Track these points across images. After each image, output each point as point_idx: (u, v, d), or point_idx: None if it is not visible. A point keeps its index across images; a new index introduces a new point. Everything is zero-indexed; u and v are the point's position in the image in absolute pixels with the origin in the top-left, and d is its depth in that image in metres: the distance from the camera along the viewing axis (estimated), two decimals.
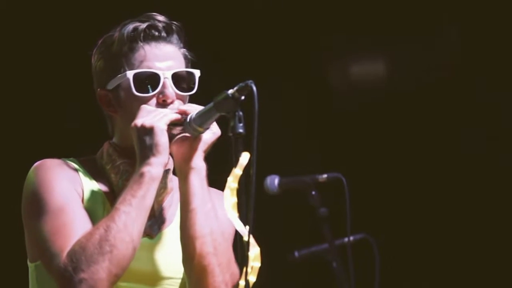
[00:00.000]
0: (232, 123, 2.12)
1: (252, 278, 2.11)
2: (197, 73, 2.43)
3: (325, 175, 3.65)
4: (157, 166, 2.26)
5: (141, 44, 2.39)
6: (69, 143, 2.61)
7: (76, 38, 4.65)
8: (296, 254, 3.85)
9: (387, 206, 4.98)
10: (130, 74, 2.37)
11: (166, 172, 2.38)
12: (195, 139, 2.34)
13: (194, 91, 2.42)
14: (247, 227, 2.07)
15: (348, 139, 5.07)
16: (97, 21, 4.64)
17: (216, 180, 2.39)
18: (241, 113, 2.14)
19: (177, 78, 2.39)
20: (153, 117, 2.29)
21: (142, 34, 2.38)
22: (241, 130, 2.11)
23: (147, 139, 2.27)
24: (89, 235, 2.21)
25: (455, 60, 5.06)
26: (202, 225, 2.32)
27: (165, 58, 2.39)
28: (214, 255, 2.32)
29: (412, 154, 5.06)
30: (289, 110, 5.02)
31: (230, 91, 2.17)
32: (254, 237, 2.10)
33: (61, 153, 2.59)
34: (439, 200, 5.02)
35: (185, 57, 2.45)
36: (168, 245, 2.42)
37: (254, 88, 2.10)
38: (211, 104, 2.24)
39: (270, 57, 4.94)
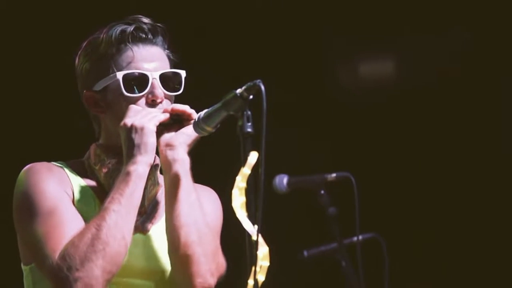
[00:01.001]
0: (240, 123, 2.12)
1: (261, 277, 2.11)
2: (183, 73, 2.47)
3: (334, 174, 3.65)
4: (143, 164, 2.30)
5: (129, 45, 2.42)
6: (78, 143, 2.60)
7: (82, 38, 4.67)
8: (305, 253, 3.85)
9: (396, 205, 4.97)
10: (119, 75, 2.40)
11: (155, 167, 2.42)
12: (178, 133, 2.37)
13: (181, 91, 2.46)
14: (256, 226, 2.07)
15: (357, 138, 5.06)
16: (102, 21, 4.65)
17: (224, 180, 2.39)
18: (249, 112, 2.14)
19: (164, 79, 2.43)
20: (142, 117, 2.33)
21: (129, 36, 2.42)
22: (249, 130, 2.11)
23: (136, 138, 2.30)
24: (81, 235, 2.23)
25: (465, 59, 5.04)
26: (186, 214, 2.35)
27: (152, 59, 2.43)
28: (198, 244, 2.34)
29: (422, 153, 5.05)
30: (298, 109, 5.02)
31: (238, 91, 2.16)
32: (263, 236, 2.10)
33: (70, 152, 2.61)
34: (449, 199, 5.00)
35: (169, 59, 2.49)
36: (160, 239, 2.43)
37: (263, 87, 2.10)
38: (219, 104, 2.24)
39: (279, 56, 4.94)
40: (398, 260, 3.96)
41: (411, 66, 5.16)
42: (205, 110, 2.31)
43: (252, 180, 2.09)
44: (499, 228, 4.96)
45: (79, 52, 2.49)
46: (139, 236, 2.40)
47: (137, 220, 2.32)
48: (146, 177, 2.32)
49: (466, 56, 5.04)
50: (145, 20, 2.46)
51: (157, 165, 2.44)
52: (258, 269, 2.07)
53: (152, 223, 2.45)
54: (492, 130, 4.99)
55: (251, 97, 2.14)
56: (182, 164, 2.37)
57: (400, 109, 5.06)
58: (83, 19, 4.51)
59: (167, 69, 2.45)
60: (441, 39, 5.06)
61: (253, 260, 2.06)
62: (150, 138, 2.31)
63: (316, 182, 3.65)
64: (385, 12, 4.95)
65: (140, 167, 2.30)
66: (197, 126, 2.30)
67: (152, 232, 2.44)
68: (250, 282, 2.06)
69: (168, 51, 2.48)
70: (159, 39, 2.46)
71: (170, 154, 2.37)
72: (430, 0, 4.93)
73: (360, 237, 3.64)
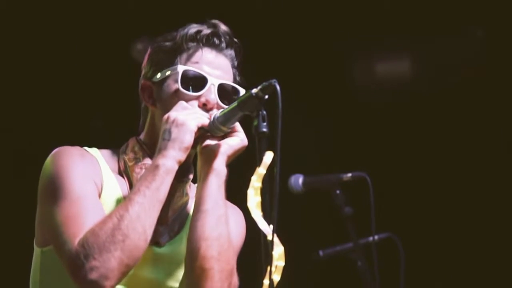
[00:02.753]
0: (255, 122, 2.12)
1: (276, 277, 2.10)
2: (242, 92, 2.44)
3: (349, 174, 3.64)
4: (173, 160, 2.26)
5: (200, 46, 2.43)
6: (92, 142, 2.60)
7: (102, 41, 4.69)
8: (321, 253, 3.85)
9: (412, 205, 4.96)
10: (181, 68, 2.39)
11: (186, 180, 2.40)
12: (221, 142, 2.34)
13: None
14: (271, 226, 2.05)
15: (373, 138, 5.05)
16: (123, 24, 4.67)
17: (240, 180, 2.39)
18: (264, 112, 2.13)
19: (222, 89, 2.41)
20: (187, 114, 2.30)
21: (204, 38, 2.43)
22: (264, 129, 2.11)
23: (174, 132, 2.27)
24: (102, 224, 2.19)
25: (480, 61, 5.03)
26: (211, 227, 2.31)
27: (217, 67, 2.43)
28: (217, 260, 2.31)
29: (438, 153, 5.04)
30: (314, 109, 5.02)
31: (254, 90, 2.17)
32: (278, 236, 2.10)
33: None
34: (465, 199, 4.99)
35: (234, 76, 2.47)
36: (174, 256, 2.41)
37: (278, 87, 2.09)
38: (235, 103, 2.24)
39: (295, 56, 4.94)
40: (414, 259, 3.95)
41: (430, 66, 5.14)
42: (221, 110, 2.31)
43: (267, 180, 2.09)
44: None
45: (152, 44, 2.49)
46: (153, 248, 2.37)
47: (155, 231, 2.27)
48: (174, 173, 2.26)
49: (483, 57, 5.02)
50: (224, 28, 2.46)
51: (189, 177, 2.42)
52: (273, 269, 2.06)
53: (170, 237, 2.42)
54: (509, 131, 4.97)
55: (266, 97, 2.14)
56: (219, 175, 2.34)
57: (417, 110, 5.05)
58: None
59: (230, 82, 2.44)
60: (459, 39, 5.04)
61: (269, 260, 2.05)
62: (187, 136, 2.27)
63: (332, 182, 3.64)
64: (401, 13, 4.93)
65: (169, 162, 2.25)
66: (212, 125, 2.30)
67: (168, 246, 2.41)
68: (266, 282, 2.05)
69: (236, 70, 2.48)
70: (231, 52, 2.46)
71: (208, 162, 2.34)
72: (446, 1, 4.91)
73: (376, 237, 3.64)
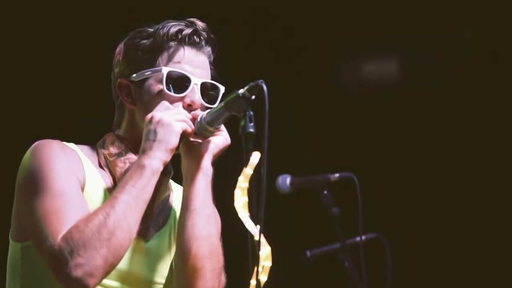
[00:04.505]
0: (242, 123, 2.12)
1: (263, 278, 2.10)
2: (222, 89, 2.45)
3: (337, 175, 3.64)
4: (158, 161, 2.25)
5: (181, 45, 2.41)
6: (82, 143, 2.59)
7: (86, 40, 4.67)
8: (308, 253, 3.84)
9: (399, 205, 4.96)
10: (165, 70, 2.38)
11: (169, 175, 2.40)
12: (207, 141, 2.34)
13: (215, 105, 2.41)
14: (258, 226, 2.05)
15: (361, 138, 5.05)
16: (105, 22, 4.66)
17: (226, 180, 2.39)
18: (251, 112, 2.13)
19: (204, 88, 2.41)
20: (172, 115, 2.29)
21: (186, 37, 2.41)
22: (251, 130, 2.10)
23: (159, 133, 2.26)
24: (87, 220, 2.16)
25: (468, 60, 5.04)
26: (201, 227, 2.31)
27: (198, 65, 2.42)
28: (208, 259, 2.31)
29: (425, 154, 5.05)
30: (301, 109, 5.02)
31: (241, 91, 2.16)
32: (265, 236, 2.10)
33: None
34: (452, 199, 5.00)
35: (211, 71, 2.47)
36: (161, 247, 2.42)
37: (265, 88, 2.09)
38: (221, 104, 2.24)
39: (282, 57, 4.94)
40: (400, 260, 3.95)
41: (415, 66, 5.15)
42: (208, 111, 2.31)
43: (254, 180, 2.09)
44: (502, 228, 4.95)
45: (125, 40, 2.46)
46: (140, 242, 2.37)
47: (141, 224, 2.25)
48: (159, 173, 2.25)
49: (470, 55, 5.03)
50: (202, 25, 2.45)
51: (171, 172, 2.41)
52: (260, 269, 2.06)
53: (156, 231, 2.42)
54: (495, 130, 4.98)
55: (253, 97, 2.14)
56: (206, 174, 2.34)
57: (403, 110, 5.06)
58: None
59: (209, 79, 2.43)
60: (445, 39, 5.05)
61: (256, 261, 2.05)
62: (172, 137, 2.26)
63: (319, 182, 3.64)
64: (389, 13, 4.94)
65: (155, 163, 2.24)
66: (199, 126, 2.30)
67: (154, 240, 2.41)
68: (253, 282, 2.05)
69: (211, 64, 2.47)
70: (208, 49, 2.46)
71: (195, 162, 2.33)
72: (436, 1, 4.92)
73: (363, 237, 3.63)
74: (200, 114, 2.32)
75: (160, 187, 2.38)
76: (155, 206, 2.40)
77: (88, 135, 2.58)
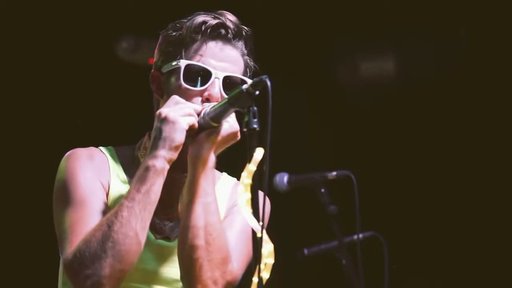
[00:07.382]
0: (246, 119, 2.09)
1: (266, 275, 2.08)
2: (249, 82, 2.36)
3: (334, 173, 3.63)
4: (163, 160, 2.22)
5: (205, 38, 2.38)
6: (77, 141, 2.58)
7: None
8: (306, 251, 3.84)
9: (397, 203, 4.97)
10: (183, 63, 2.36)
11: (187, 173, 2.34)
12: (207, 130, 2.29)
13: None
14: (261, 223, 2.03)
15: (358, 136, 5.05)
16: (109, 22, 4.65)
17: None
18: (255, 108, 2.10)
19: (228, 82, 2.36)
20: (178, 109, 2.26)
21: (209, 30, 2.37)
22: (255, 126, 2.07)
23: (165, 131, 2.23)
24: (93, 231, 2.19)
25: (463, 59, 5.04)
26: (197, 216, 2.26)
27: (223, 59, 2.38)
28: (205, 250, 2.26)
29: (422, 152, 5.05)
30: (298, 107, 5.01)
31: (245, 86, 2.14)
32: (268, 233, 2.08)
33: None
34: (449, 197, 5.00)
35: (246, 65, 2.42)
36: None
37: (269, 83, 2.06)
38: (225, 99, 2.22)
39: (283, 54, 4.93)
40: (398, 258, 3.95)
41: (412, 64, 5.15)
42: (212, 105, 2.29)
43: (258, 177, 2.07)
44: (499, 227, 4.96)
45: (163, 31, 2.44)
46: (165, 242, 2.37)
47: (166, 225, 2.27)
48: (165, 172, 2.22)
49: (466, 54, 5.03)
50: (232, 18, 2.41)
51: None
52: (262, 266, 2.04)
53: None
54: (492, 129, 4.98)
55: (257, 92, 2.11)
56: (204, 163, 2.28)
57: (401, 108, 5.06)
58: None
59: (236, 73, 2.38)
60: (442, 37, 5.05)
61: (258, 258, 2.03)
62: (178, 135, 2.23)
63: (317, 180, 3.63)
64: (386, 12, 4.94)
65: (159, 163, 2.22)
66: (202, 121, 2.28)
67: (176, 241, 2.36)
68: (255, 279, 2.03)
69: (247, 57, 2.42)
70: (240, 42, 2.41)
71: (194, 150, 2.29)
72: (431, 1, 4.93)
73: (360, 236, 3.63)
74: (204, 109, 2.29)
75: (181, 186, 2.34)
76: (180, 207, 2.37)
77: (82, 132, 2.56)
